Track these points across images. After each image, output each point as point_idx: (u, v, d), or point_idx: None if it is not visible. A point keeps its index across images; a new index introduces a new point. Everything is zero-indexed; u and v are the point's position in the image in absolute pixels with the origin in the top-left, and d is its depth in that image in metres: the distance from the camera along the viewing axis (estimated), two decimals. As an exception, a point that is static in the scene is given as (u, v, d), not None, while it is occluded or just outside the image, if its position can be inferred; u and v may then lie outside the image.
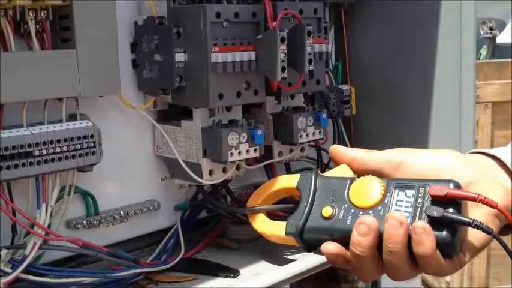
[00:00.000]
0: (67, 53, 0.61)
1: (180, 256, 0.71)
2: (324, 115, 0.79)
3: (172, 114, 0.75)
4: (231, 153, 0.69)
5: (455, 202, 0.54)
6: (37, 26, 0.61)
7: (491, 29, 3.52)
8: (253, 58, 0.70)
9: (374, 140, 0.72)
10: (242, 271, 0.69)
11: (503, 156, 0.59)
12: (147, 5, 0.70)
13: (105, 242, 0.70)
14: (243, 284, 0.66)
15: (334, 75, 0.95)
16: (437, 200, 0.54)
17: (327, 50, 0.80)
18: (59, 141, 0.61)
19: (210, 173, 0.72)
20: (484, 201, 0.54)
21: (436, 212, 0.53)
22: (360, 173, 0.63)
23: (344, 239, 0.57)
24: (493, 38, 3.53)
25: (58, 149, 0.61)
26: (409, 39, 0.93)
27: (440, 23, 0.88)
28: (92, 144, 0.63)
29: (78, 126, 0.63)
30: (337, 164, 0.64)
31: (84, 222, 0.68)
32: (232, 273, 0.68)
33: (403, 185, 0.58)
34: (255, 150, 0.71)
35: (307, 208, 0.61)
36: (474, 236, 0.56)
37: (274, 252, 0.74)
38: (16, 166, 0.58)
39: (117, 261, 0.66)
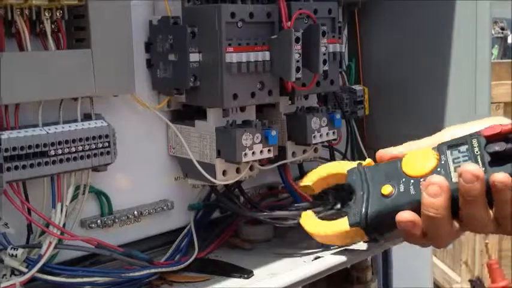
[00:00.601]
0: (82, 53, 0.61)
1: (194, 256, 0.70)
2: (338, 115, 0.79)
3: (186, 114, 0.75)
4: (245, 154, 0.69)
5: (510, 138, 0.55)
6: (53, 26, 0.61)
7: (502, 29, 3.50)
8: (268, 58, 0.70)
9: (387, 141, 0.71)
10: (256, 272, 0.69)
11: None
12: (162, 4, 0.70)
13: (118, 241, 0.70)
14: (257, 284, 0.66)
15: (347, 76, 0.95)
16: (491, 141, 0.55)
17: (340, 50, 0.79)
18: (74, 141, 0.61)
19: (224, 173, 0.72)
20: None
21: (498, 147, 0.54)
22: None
23: (414, 210, 0.57)
24: (505, 38, 3.51)
25: (73, 149, 0.61)
26: (423, 38, 0.92)
27: (454, 22, 0.88)
28: (107, 144, 0.63)
29: (93, 126, 0.63)
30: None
31: (99, 221, 0.68)
32: (246, 273, 0.68)
33: (454, 143, 0.58)
34: (269, 150, 0.71)
35: (365, 195, 0.61)
36: None
37: (288, 253, 0.74)
38: (32, 166, 0.58)
39: (131, 261, 0.66)
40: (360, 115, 0.92)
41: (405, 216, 0.57)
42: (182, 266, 0.69)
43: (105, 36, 0.62)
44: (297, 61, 0.68)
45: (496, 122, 0.59)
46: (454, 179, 0.57)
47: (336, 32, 0.78)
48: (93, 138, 0.62)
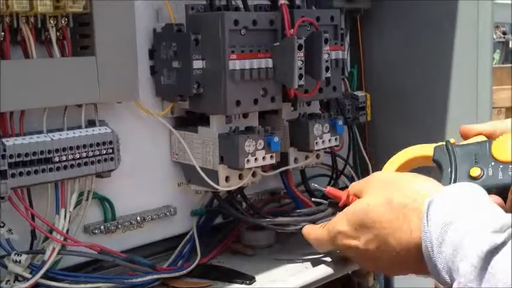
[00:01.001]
0: (87, 60, 0.62)
1: (196, 262, 0.71)
2: (340, 122, 0.79)
3: (189, 121, 0.75)
4: (248, 160, 0.69)
5: None
6: (58, 33, 0.62)
7: (504, 33, 3.50)
8: (271, 65, 0.70)
9: (390, 146, 0.71)
10: (258, 278, 0.69)
11: None
12: (166, 12, 0.71)
13: (121, 247, 0.70)
14: (259, 290, 0.66)
15: (349, 82, 0.95)
16: None
17: (343, 57, 0.80)
18: (78, 147, 0.61)
19: (227, 179, 0.72)
20: None
21: None
22: None
23: (500, 195, 0.57)
24: (506, 43, 3.51)
25: (77, 155, 0.61)
26: (425, 45, 0.92)
27: (456, 28, 0.88)
28: (111, 151, 0.64)
29: (97, 133, 0.63)
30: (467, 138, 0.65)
31: (102, 227, 0.69)
32: (248, 279, 0.68)
33: None
34: (272, 157, 0.71)
35: (453, 174, 0.61)
36: None
37: (289, 259, 0.74)
38: (36, 172, 0.59)
39: (133, 266, 0.66)
40: (362, 121, 0.93)
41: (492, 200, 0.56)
42: (184, 271, 0.69)
43: (110, 43, 0.63)
44: (300, 68, 0.69)
45: None
46: None
47: (338, 39, 0.78)
48: (97, 144, 0.63)
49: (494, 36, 3.56)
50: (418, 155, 0.67)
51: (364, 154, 0.95)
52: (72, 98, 0.62)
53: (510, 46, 3.51)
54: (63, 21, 0.61)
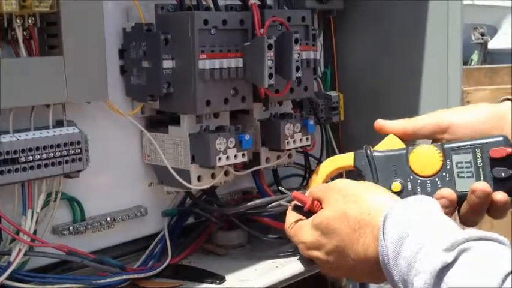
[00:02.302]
0: (54, 60, 0.61)
1: (167, 262, 0.71)
2: (311, 121, 0.79)
3: (160, 121, 0.75)
4: (219, 158, 0.70)
5: (510, 157, 0.60)
6: (24, 33, 0.61)
7: (482, 34, 3.55)
8: (241, 65, 0.70)
9: (362, 145, 0.72)
10: (228, 277, 0.69)
11: None
12: (136, 12, 0.70)
13: (91, 248, 0.70)
14: (228, 290, 0.66)
15: (323, 82, 0.96)
16: (494, 159, 0.61)
17: (314, 57, 0.80)
18: (45, 147, 0.61)
19: (199, 178, 0.72)
20: None
21: (503, 173, 0.60)
22: (408, 140, 0.68)
23: None
24: (485, 44, 3.56)
25: (44, 156, 0.61)
26: (397, 46, 0.93)
27: (427, 29, 0.89)
28: (79, 151, 0.63)
29: (64, 133, 0.63)
30: (382, 134, 0.68)
31: (71, 228, 0.68)
32: (218, 279, 0.68)
33: (459, 148, 0.63)
34: (243, 155, 0.72)
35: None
36: None
37: (261, 258, 0.74)
38: (2, 172, 0.58)
39: (102, 267, 0.66)
40: (335, 121, 0.93)
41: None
42: (154, 272, 0.69)
43: (78, 43, 0.62)
44: (270, 68, 0.69)
45: (489, 117, 0.65)
46: (459, 188, 0.62)
47: (309, 39, 0.79)
48: (65, 144, 0.62)
49: (473, 38, 3.60)
50: (340, 166, 0.69)
51: (337, 153, 0.95)
52: (39, 98, 0.61)
53: (488, 47, 3.56)
54: (29, 21, 0.61)
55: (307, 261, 0.65)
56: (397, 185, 0.63)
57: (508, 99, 0.68)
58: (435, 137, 0.68)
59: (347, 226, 0.57)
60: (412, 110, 0.92)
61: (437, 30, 0.88)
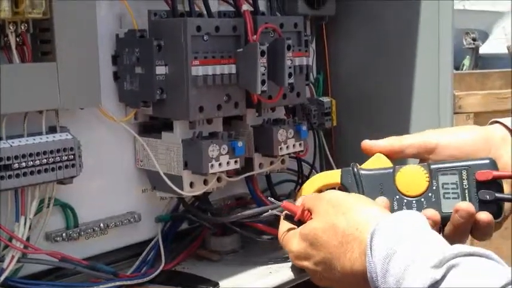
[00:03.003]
0: (47, 66, 0.61)
1: (160, 268, 0.71)
2: (304, 127, 0.80)
3: (153, 126, 0.75)
4: (212, 165, 0.70)
5: (496, 182, 0.62)
6: (17, 39, 0.61)
7: (474, 39, 3.57)
8: (234, 71, 0.70)
9: (355, 151, 0.73)
10: (222, 283, 0.69)
11: None
12: (129, 18, 0.71)
13: (85, 254, 0.70)
14: (222, 296, 0.66)
15: (315, 88, 0.96)
16: (480, 182, 0.62)
17: (307, 63, 0.80)
18: (38, 154, 0.61)
19: (191, 185, 0.72)
20: None
21: (488, 195, 0.61)
22: (395, 159, 0.68)
23: None
24: (476, 49, 3.58)
25: (37, 162, 0.61)
26: (389, 51, 0.94)
27: (418, 35, 0.90)
28: (72, 157, 0.63)
29: (57, 139, 0.63)
30: (369, 155, 0.69)
31: (64, 234, 0.68)
32: (212, 285, 0.68)
33: (445, 170, 0.63)
34: (236, 162, 0.72)
35: None
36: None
37: (255, 264, 0.74)
38: (-6, 179, 0.58)
39: (96, 274, 0.65)
40: (328, 126, 0.94)
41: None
42: (148, 278, 0.69)
43: (71, 49, 0.62)
44: (263, 74, 0.69)
45: (475, 138, 0.66)
46: (444, 208, 0.63)
47: (302, 45, 0.79)
48: (58, 151, 0.62)
49: (464, 43, 3.63)
50: (327, 183, 0.70)
51: (330, 159, 0.96)
52: (32, 105, 0.61)
53: (479, 52, 3.58)
54: (22, 27, 0.61)
55: (298, 269, 0.65)
56: (381, 203, 0.63)
57: (496, 122, 0.68)
58: (422, 157, 0.68)
59: (335, 239, 0.57)
60: (404, 115, 0.93)
61: (428, 35, 0.88)
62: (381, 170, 0.66)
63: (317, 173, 0.92)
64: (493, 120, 0.69)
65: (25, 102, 0.60)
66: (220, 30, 0.70)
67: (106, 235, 0.72)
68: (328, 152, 0.96)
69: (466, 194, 0.63)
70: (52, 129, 0.65)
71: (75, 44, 0.63)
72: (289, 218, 0.65)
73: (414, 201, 0.64)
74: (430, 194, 0.64)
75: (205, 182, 0.73)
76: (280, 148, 0.77)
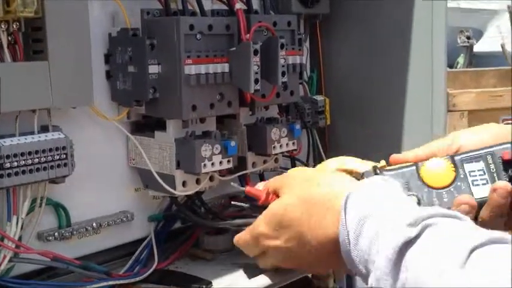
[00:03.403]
0: (39, 65, 0.61)
1: (153, 267, 0.70)
2: (298, 126, 0.80)
3: (146, 125, 0.75)
4: (204, 165, 0.70)
5: None
6: (9, 38, 0.61)
7: (468, 38, 3.58)
8: (227, 70, 0.70)
9: (349, 149, 0.73)
10: (215, 282, 0.69)
11: None
12: (121, 16, 0.70)
13: (77, 253, 0.69)
14: (215, 295, 0.66)
15: (309, 86, 0.96)
16: (507, 163, 0.61)
17: (301, 62, 0.80)
18: (30, 153, 0.61)
19: (184, 184, 0.72)
20: None
21: None
22: None
23: None
24: (470, 47, 3.59)
25: (29, 161, 0.61)
26: (382, 50, 0.94)
27: (412, 33, 0.90)
28: (64, 156, 0.63)
29: (49, 138, 0.62)
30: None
31: (56, 234, 0.68)
32: (205, 284, 0.68)
33: (469, 158, 0.63)
34: (228, 161, 0.72)
35: None
36: None
37: (248, 263, 0.74)
38: (-14, 178, 0.58)
39: (88, 273, 0.65)
40: (321, 125, 0.94)
41: None
42: (140, 277, 0.69)
43: (63, 48, 0.62)
44: (256, 73, 0.69)
45: (495, 137, 0.65)
46: (476, 195, 0.62)
47: (295, 44, 0.79)
48: (50, 150, 0.62)
49: (459, 41, 3.63)
50: (350, 169, 0.68)
51: (324, 157, 0.96)
52: (24, 104, 0.61)
53: (474, 50, 3.59)
54: (14, 26, 0.61)
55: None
56: (412, 199, 0.61)
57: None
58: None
59: (306, 211, 0.57)
60: (397, 113, 0.93)
61: (421, 33, 0.88)
62: (403, 168, 0.65)
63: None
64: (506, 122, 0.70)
65: (17, 101, 0.60)
66: (213, 29, 0.70)
67: (99, 234, 0.72)
68: (322, 151, 0.96)
69: (495, 177, 0.62)
70: (44, 128, 0.64)
71: (67, 43, 0.63)
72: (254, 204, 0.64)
73: (444, 192, 0.62)
74: (459, 183, 0.62)
75: (198, 181, 0.73)
76: (274, 147, 0.77)
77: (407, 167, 0.65)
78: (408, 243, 0.47)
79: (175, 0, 0.73)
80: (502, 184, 0.60)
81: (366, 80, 0.96)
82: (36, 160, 0.61)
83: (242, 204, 0.70)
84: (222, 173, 0.76)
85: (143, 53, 0.68)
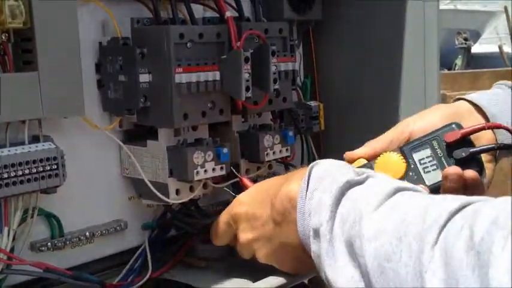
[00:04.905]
0: (29, 76, 0.61)
1: (147, 276, 0.70)
2: (291, 132, 0.80)
3: (139, 134, 0.75)
4: (197, 172, 0.70)
5: (466, 140, 0.63)
6: (-2, 49, 0.61)
7: (465, 39, 3.58)
8: (218, 78, 0.70)
9: (343, 154, 0.73)
10: (209, 291, 0.69)
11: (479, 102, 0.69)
12: (112, 25, 0.70)
13: (71, 263, 0.69)
14: (208, 304, 0.66)
15: (302, 92, 0.96)
16: (451, 145, 0.63)
17: (293, 68, 0.80)
18: (20, 164, 0.60)
19: (177, 192, 0.72)
20: (492, 126, 0.63)
21: (463, 153, 0.62)
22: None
23: None
24: (468, 48, 3.59)
25: (20, 172, 0.60)
26: (376, 54, 0.94)
27: (405, 37, 0.90)
28: (55, 166, 0.63)
29: (40, 149, 0.62)
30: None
31: (49, 244, 0.68)
32: (199, 293, 0.68)
33: (416, 146, 0.65)
34: (221, 168, 0.72)
35: None
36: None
37: (242, 271, 0.74)
38: (-24, 190, 0.58)
39: (81, 284, 0.65)
40: (316, 130, 0.94)
41: None
42: (135, 287, 0.69)
43: (53, 58, 0.62)
44: (247, 80, 0.69)
45: (443, 118, 0.67)
46: (428, 182, 0.64)
47: (287, 50, 0.79)
48: (41, 160, 0.62)
49: (456, 42, 3.64)
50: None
51: (318, 163, 0.95)
52: (14, 115, 0.61)
53: (471, 52, 3.60)
54: (3, 37, 0.60)
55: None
56: None
57: (461, 99, 0.70)
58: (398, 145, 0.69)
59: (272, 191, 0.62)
60: (392, 117, 0.93)
61: (414, 36, 0.89)
62: (359, 167, 0.66)
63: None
64: (457, 97, 0.71)
65: (7, 112, 0.60)
66: (204, 37, 0.70)
67: (92, 244, 0.72)
68: (316, 156, 0.96)
69: (443, 161, 0.63)
70: (35, 139, 0.64)
71: (57, 53, 0.62)
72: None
73: None
74: (411, 174, 0.64)
75: (192, 189, 0.73)
76: (267, 154, 0.77)
77: (362, 166, 0.67)
78: (352, 184, 0.53)
79: (165, 8, 0.73)
80: (452, 170, 0.61)
81: (360, 84, 0.96)
82: (27, 171, 0.61)
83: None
84: (215, 180, 0.75)
85: (133, 62, 0.68)
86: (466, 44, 3.58)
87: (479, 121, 0.68)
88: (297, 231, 0.57)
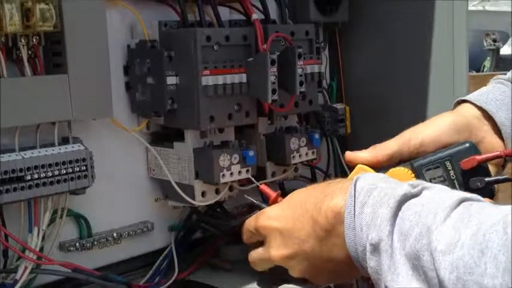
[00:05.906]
0: (59, 78, 0.62)
1: (173, 278, 0.71)
2: (317, 135, 0.79)
3: (166, 136, 0.75)
4: (223, 175, 0.70)
5: (482, 167, 0.61)
6: (29, 52, 0.62)
7: (494, 41, 3.52)
8: (244, 80, 0.70)
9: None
10: (234, 293, 0.69)
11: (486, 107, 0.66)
12: (140, 28, 0.71)
13: (98, 264, 0.70)
14: (234, 305, 0.66)
15: (329, 94, 0.95)
16: (466, 170, 0.61)
17: (319, 71, 0.80)
18: (50, 165, 0.61)
19: (203, 194, 0.72)
20: (509, 154, 0.61)
21: (479, 183, 0.61)
22: (380, 168, 0.65)
23: None
24: (497, 50, 3.53)
25: (50, 173, 0.61)
26: (403, 55, 0.93)
27: (433, 38, 0.89)
28: (84, 168, 0.64)
29: (69, 150, 0.63)
30: (353, 166, 0.67)
31: (77, 244, 0.69)
32: (224, 295, 0.68)
33: (428, 164, 0.63)
34: (247, 171, 0.72)
35: None
36: None
37: (266, 272, 0.74)
38: (8, 191, 0.59)
39: (108, 284, 0.66)
40: (341, 133, 0.93)
41: None
42: (161, 288, 0.69)
43: (82, 61, 0.63)
44: (273, 83, 0.69)
45: (452, 128, 0.65)
46: None
47: (313, 53, 0.79)
48: (70, 162, 0.63)
49: (485, 44, 3.58)
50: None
51: (345, 166, 0.95)
52: (44, 117, 0.62)
53: (500, 53, 3.53)
54: (34, 40, 0.61)
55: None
56: None
57: (464, 101, 0.67)
58: (405, 156, 0.65)
59: (313, 196, 0.59)
60: (419, 120, 0.91)
61: (442, 37, 0.87)
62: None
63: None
64: (460, 99, 0.68)
65: (38, 114, 0.61)
66: (230, 40, 0.70)
67: (119, 244, 0.73)
68: (342, 159, 0.95)
69: (456, 185, 0.62)
70: (65, 140, 0.65)
71: (86, 56, 0.63)
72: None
73: None
74: None
75: (217, 191, 0.73)
76: (293, 157, 0.77)
77: None
78: (409, 197, 0.50)
79: (193, 11, 0.73)
80: None
81: (387, 86, 0.95)
82: (57, 172, 0.62)
83: (260, 203, 0.70)
84: (241, 182, 0.75)
85: (161, 65, 0.68)
86: (494, 45, 3.52)
87: (490, 132, 0.65)
88: (345, 247, 0.54)
